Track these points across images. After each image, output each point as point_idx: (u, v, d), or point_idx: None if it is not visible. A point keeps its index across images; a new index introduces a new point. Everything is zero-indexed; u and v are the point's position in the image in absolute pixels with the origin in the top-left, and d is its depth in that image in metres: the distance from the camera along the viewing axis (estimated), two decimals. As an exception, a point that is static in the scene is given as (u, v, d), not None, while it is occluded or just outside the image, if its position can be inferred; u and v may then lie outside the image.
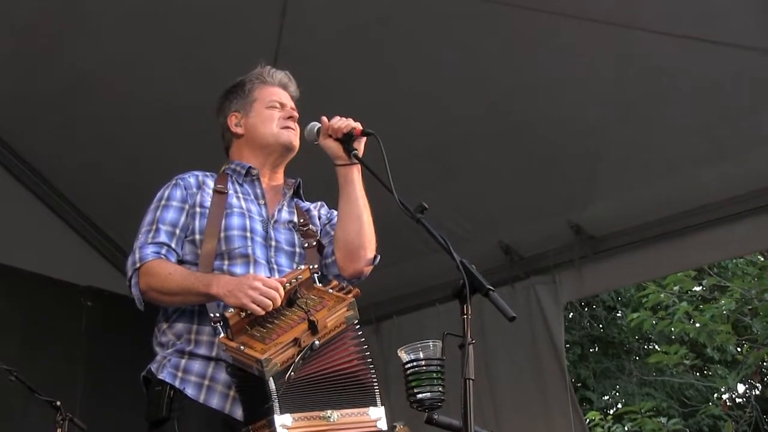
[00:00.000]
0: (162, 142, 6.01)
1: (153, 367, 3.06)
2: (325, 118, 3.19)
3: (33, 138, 6.37)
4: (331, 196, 3.28)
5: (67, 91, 5.81)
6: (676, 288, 10.04)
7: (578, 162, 5.71)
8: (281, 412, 2.64)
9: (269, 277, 2.95)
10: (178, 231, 3.13)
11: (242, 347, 2.71)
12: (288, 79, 3.44)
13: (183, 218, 3.15)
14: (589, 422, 11.11)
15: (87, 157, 6.33)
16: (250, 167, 3.29)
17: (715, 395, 13.24)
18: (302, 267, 3.01)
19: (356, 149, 3.12)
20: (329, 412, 2.72)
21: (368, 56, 5.36)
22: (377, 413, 2.82)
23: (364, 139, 3.15)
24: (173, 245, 3.10)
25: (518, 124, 5.54)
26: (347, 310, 2.84)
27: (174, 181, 3.25)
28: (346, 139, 3.13)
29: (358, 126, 3.15)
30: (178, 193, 3.20)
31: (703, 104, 5.17)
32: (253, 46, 5.24)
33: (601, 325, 15.05)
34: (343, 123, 3.15)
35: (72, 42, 5.54)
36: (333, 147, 3.17)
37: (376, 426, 2.80)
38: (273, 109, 3.34)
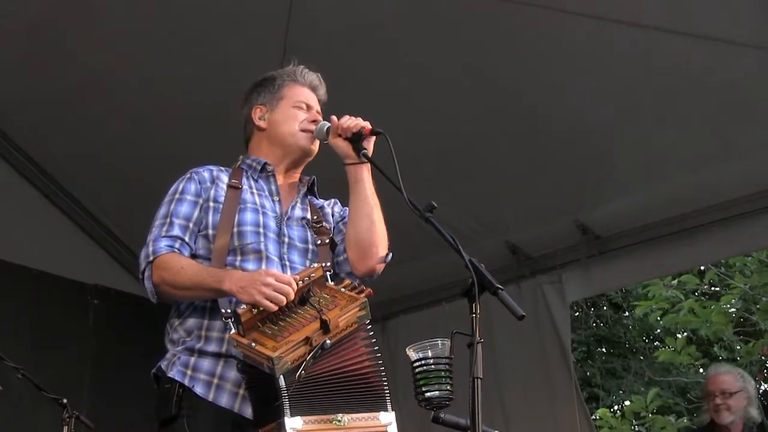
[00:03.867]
0: (170, 140, 6.01)
1: (163, 364, 3.07)
2: (334, 118, 3.20)
3: (40, 136, 6.38)
4: (342, 196, 3.29)
5: (75, 90, 5.81)
6: (674, 282, 10.05)
7: (585, 162, 5.70)
8: (291, 415, 2.64)
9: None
10: (191, 225, 3.13)
11: (253, 344, 2.71)
12: (319, 82, 3.43)
13: (197, 212, 3.15)
14: (599, 418, 11.11)
15: (94, 155, 6.33)
16: (265, 163, 3.30)
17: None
18: (315, 265, 3.01)
19: (365, 148, 3.13)
20: (339, 415, 2.72)
21: (377, 55, 5.35)
22: (388, 418, 2.81)
23: (374, 138, 3.16)
24: (187, 239, 3.11)
25: (526, 124, 5.53)
26: (359, 310, 2.83)
27: (188, 175, 3.25)
28: (356, 139, 3.14)
29: (368, 125, 3.16)
30: (192, 187, 3.20)
31: (711, 103, 5.16)
32: (260, 44, 5.25)
33: (606, 324, 15.04)
34: (352, 122, 3.16)
35: (81, 41, 5.54)
36: (342, 146, 3.17)
37: (386, 431, 2.80)
38: (298, 110, 3.33)
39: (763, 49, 4.80)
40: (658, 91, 5.19)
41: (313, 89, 3.41)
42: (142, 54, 5.57)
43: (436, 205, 2.81)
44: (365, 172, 3.18)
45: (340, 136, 3.17)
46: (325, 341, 2.73)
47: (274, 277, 2.83)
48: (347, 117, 3.18)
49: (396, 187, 2.87)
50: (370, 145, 3.15)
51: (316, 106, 3.39)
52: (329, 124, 3.21)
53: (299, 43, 5.17)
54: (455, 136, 5.71)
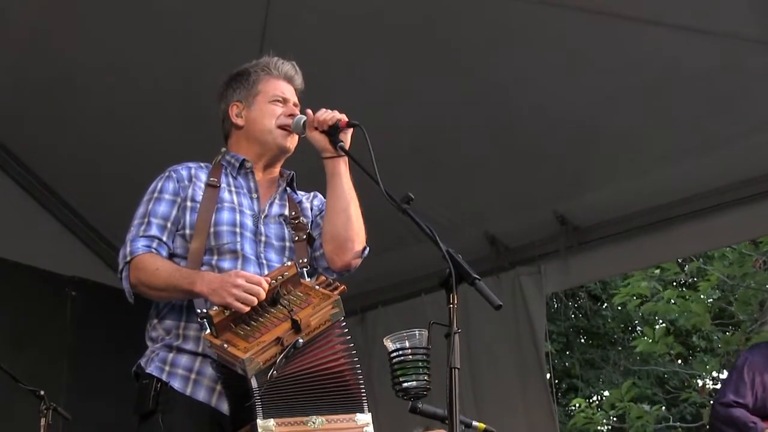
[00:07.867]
0: (148, 133, 5.98)
1: (142, 361, 3.08)
2: (310, 111, 3.17)
3: (18, 129, 6.34)
4: (322, 189, 3.27)
5: (53, 84, 5.78)
6: (657, 271, 10.10)
7: (564, 153, 5.71)
8: (264, 417, 2.64)
9: (256, 273, 2.96)
10: (169, 224, 3.12)
11: (225, 345, 2.71)
12: (294, 72, 3.38)
13: (175, 211, 3.13)
14: (575, 407, 11.17)
15: (72, 148, 6.30)
16: (244, 160, 3.26)
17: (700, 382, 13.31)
18: (289, 263, 3.00)
19: (342, 141, 3.10)
20: (314, 417, 2.72)
21: (355, 47, 5.34)
22: (364, 419, 2.80)
23: (351, 130, 3.13)
24: (164, 239, 3.09)
25: (505, 115, 5.54)
26: (332, 308, 2.83)
27: (167, 173, 3.22)
28: (332, 132, 3.11)
29: (344, 117, 3.13)
30: (170, 186, 3.18)
31: (690, 95, 5.18)
32: (238, 35, 5.24)
33: (585, 316, 15.10)
34: (328, 115, 3.12)
35: (58, 35, 5.50)
36: (319, 140, 3.14)
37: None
38: (275, 104, 3.28)
39: (740, 39, 4.81)
40: (636, 82, 5.20)
41: (289, 80, 3.37)
42: (119, 47, 5.53)
43: (413, 196, 2.80)
44: (342, 165, 3.15)
45: (316, 129, 3.14)
46: (297, 340, 2.72)
47: (245, 278, 2.83)
48: (323, 110, 3.15)
49: (373, 179, 2.85)
50: (347, 137, 3.12)
51: (293, 98, 3.35)
52: (305, 118, 3.17)
53: (277, 34, 5.16)
54: (435, 128, 5.70)
